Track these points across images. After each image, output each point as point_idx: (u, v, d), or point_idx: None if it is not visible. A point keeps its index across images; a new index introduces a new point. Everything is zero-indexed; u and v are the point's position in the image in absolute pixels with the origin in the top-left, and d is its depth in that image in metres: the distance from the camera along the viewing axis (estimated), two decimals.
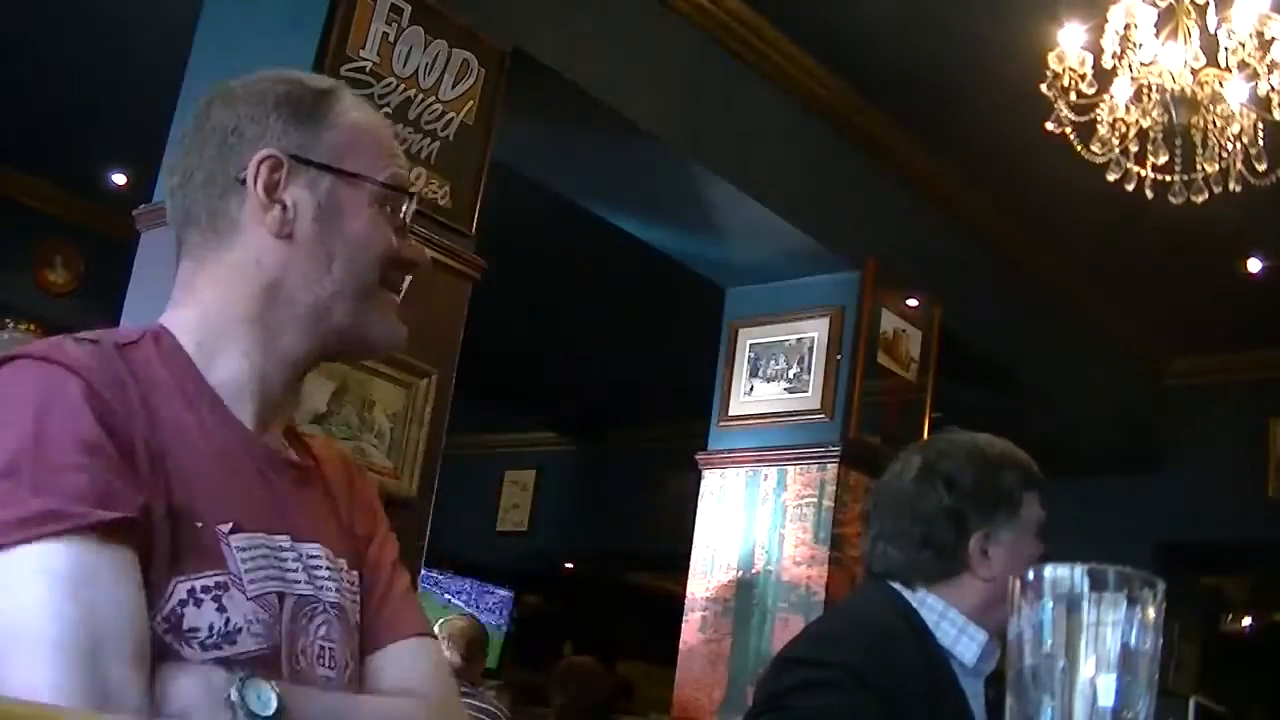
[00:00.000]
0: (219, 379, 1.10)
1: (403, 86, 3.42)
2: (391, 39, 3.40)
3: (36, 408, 0.95)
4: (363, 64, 3.34)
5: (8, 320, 7.03)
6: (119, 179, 6.22)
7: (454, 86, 3.53)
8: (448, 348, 3.50)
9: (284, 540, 1.07)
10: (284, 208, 1.11)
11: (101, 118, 5.59)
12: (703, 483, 5.13)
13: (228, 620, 0.98)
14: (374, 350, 1.20)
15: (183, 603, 0.97)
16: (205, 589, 0.98)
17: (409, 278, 1.20)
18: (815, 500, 4.79)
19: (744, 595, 4.83)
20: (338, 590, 1.10)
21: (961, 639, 1.65)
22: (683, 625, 4.97)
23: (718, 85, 4.47)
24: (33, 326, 7.08)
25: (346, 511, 1.19)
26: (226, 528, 1.01)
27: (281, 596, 1.04)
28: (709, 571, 4.97)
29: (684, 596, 5.03)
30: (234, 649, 0.98)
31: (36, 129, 5.88)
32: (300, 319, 1.12)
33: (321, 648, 1.07)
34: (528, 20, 3.79)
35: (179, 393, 1.06)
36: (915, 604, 1.68)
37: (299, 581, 1.06)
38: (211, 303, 1.12)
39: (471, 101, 3.57)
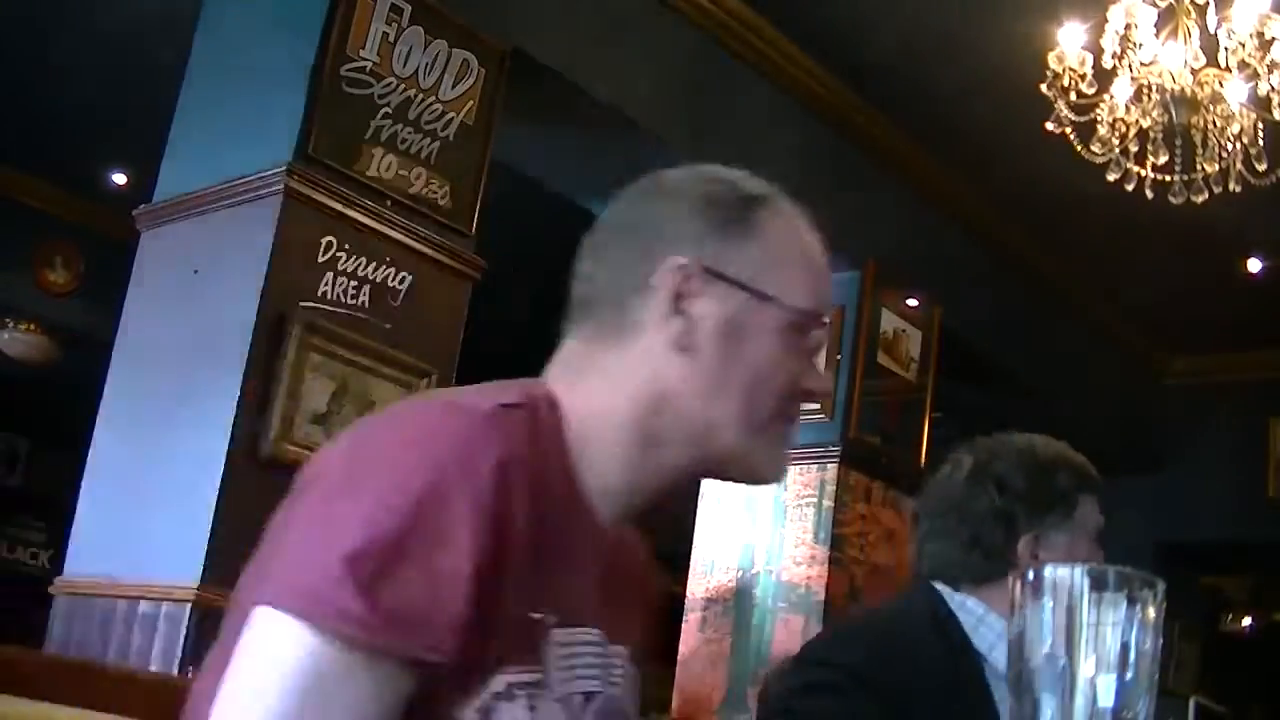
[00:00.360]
0: (589, 475, 1.03)
1: (403, 86, 3.42)
2: (391, 39, 3.40)
3: (442, 485, 0.89)
4: (363, 64, 3.34)
5: (8, 320, 7.04)
6: (119, 179, 6.22)
7: (454, 86, 3.53)
8: (448, 348, 3.50)
9: (602, 638, 1.02)
10: (688, 320, 1.05)
11: (101, 118, 5.59)
12: (703, 482, 5.12)
13: (530, 718, 0.94)
14: (755, 482, 1.12)
15: (497, 695, 0.92)
16: (522, 685, 0.94)
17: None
18: (815, 500, 4.79)
19: (744, 595, 4.83)
20: (631, 691, 1.07)
21: (999, 644, 1.61)
22: (683, 625, 4.97)
23: (718, 85, 4.47)
24: (33, 326, 7.09)
25: (633, 601, 1.13)
26: (553, 620, 0.97)
27: (589, 696, 1.00)
28: (709, 571, 4.97)
29: (684, 596, 5.03)
30: None
31: (36, 129, 5.88)
32: (686, 436, 1.05)
33: None
34: (528, 20, 3.79)
35: (549, 474, 0.99)
36: (954, 607, 1.66)
37: (609, 682, 1.02)
38: (597, 396, 1.05)
39: (471, 101, 3.57)
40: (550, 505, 0.97)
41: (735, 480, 1.10)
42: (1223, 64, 3.40)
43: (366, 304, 3.29)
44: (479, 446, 0.91)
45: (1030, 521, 1.65)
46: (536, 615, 0.95)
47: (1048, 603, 0.76)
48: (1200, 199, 3.56)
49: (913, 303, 5.22)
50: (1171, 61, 3.43)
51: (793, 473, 4.88)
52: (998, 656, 1.62)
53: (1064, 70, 3.46)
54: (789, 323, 1.07)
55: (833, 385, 1.09)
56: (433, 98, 3.48)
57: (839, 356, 4.93)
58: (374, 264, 3.32)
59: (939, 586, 1.68)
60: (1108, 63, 3.43)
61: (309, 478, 0.95)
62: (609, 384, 1.06)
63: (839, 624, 1.92)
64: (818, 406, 4.90)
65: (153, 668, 2.93)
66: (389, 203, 3.37)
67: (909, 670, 1.54)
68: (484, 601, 0.88)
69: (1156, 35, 3.44)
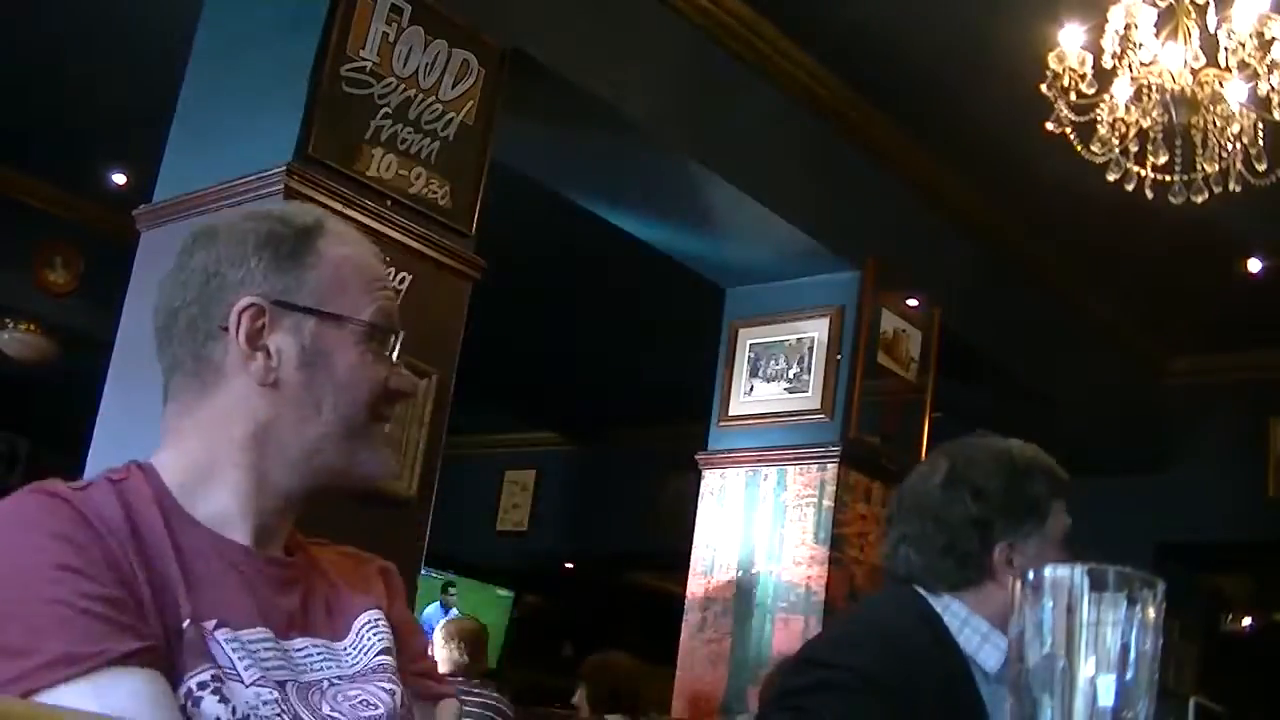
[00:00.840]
0: (209, 512, 1.10)
1: (403, 86, 3.42)
2: (391, 39, 3.40)
3: (30, 546, 0.97)
4: (363, 64, 3.34)
5: (8, 320, 7.04)
6: (119, 179, 6.22)
7: (454, 86, 3.53)
8: (448, 348, 3.50)
9: (271, 636, 1.07)
10: (268, 355, 1.11)
11: (101, 118, 5.59)
12: (703, 483, 5.13)
13: (234, 710, 0.99)
14: (366, 484, 1.17)
15: (183, 708, 0.98)
16: (202, 685, 0.99)
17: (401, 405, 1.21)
18: (815, 500, 4.79)
19: (744, 595, 4.83)
20: (367, 649, 1.12)
21: (984, 646, 1.63)
22: (683, 625, 4.97)
23: (717, 85, 4.47)
24: (33, 326, 7.09)
25: (351, 593, 1.19)
26: (210, 624, 1.02)
27: (283, 684, 1.04)
28: (709, 571, 4.97)
29: (684, 596, 5.03)
30: None
31: (36, 129, 5.88)
32: (290, 462, 1.12)
33: (357, 702, 1.08)
34: (528, 20, 3.79)
35: (165, 517, 1.07)
36: (939, 609, 1.66)
37: (305, 671, 1.07)
38: (196, 449, 1.12)
39: (471, 101, 3.57)
40: (166, 546, 1.04)
41: (351, 490, 1.16)
42: (1223, 64, 3.40)
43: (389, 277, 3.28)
44: (39, 527, 0.98)
45: (1005, 530, 1.65)
46: (187, 623, 1.00)
47: (1048, 603, 0.76)
48: (1200, 199, 3.56)
49: (913, 303, 5.22)
50: (1171, 62, 3.43)
51: (793, 473, 4.88)
52: (984, 659, 1.63)
53: (1064, 70, 3.46)
54: (363, 335, 1.14)
55: (416, 386, 1.14)
56: (433, 98, 3.48)
57: (839, 356, 4.93)
58: None
59: (918, 589, 1.68)
60: (1108, 63, 3.43)
61: None
62: (207, 436, 1.12)
63: (837, 625, 1.90)
64: (818, 406, 4.91)
65: None
66: (389, 203, 3.36)
67: (912, 671, 1.55)
68: (143, 620, 0.96)
69: (1156, 35, 3.44)
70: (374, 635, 1.14)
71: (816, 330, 5.00)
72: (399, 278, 3.37)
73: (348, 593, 1.18)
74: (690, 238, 4.96)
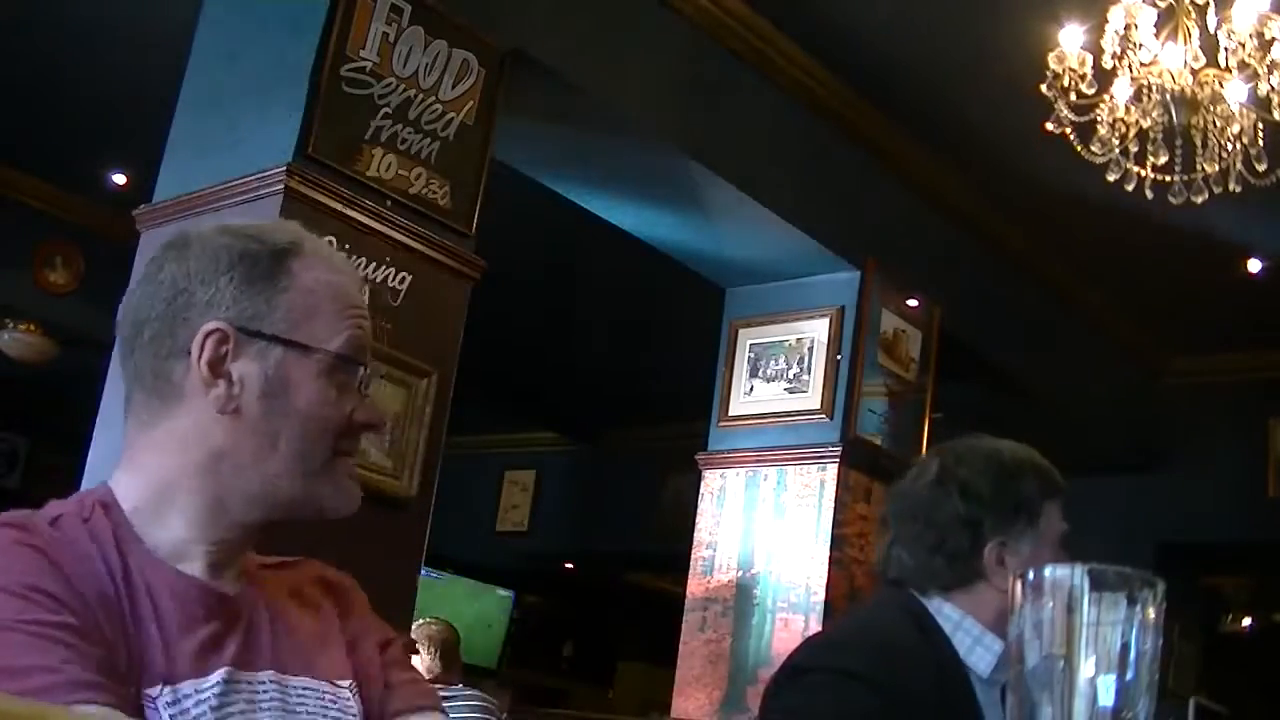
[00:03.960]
0: (164, 540, 1.07)
1: (403, 86, 3.42)
2: (391, 39, 3.40)
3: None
4: (363, 64, 3.34)
5: (8, 320, 7.04)
6: (119, 179, 6.22)
7: (454, 86, 3.53)
8: (448, 348, 3.50)
9: (225, 673, 1.04)
10: (230, 383, 1.07)
11: (101, 118, 5.59)
12: (703, 483, 5.13)
13: None
14: (326, 517, 1.13)
15: None
16: None
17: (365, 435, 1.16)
18: (815, 500, 4.79)
19: (744, 595, 4.83)
20: (317, 713, 1.08)
21: (976, 649, 1.63)
22: (683, 625, 4.97)
23: (717, 85, 4.46)
24: (32, 326, 7.08)
25: (316, 629, 1.16)
26: (155, 691, 0.99)
27: None
28: (709, 571, 4.96)
29: (684, 596, 5.03)
30: None
31: (36, 129, 5.88)
32: (246, 493, 1.08)
33: None
34: (528, 20, 3.79)
35: (123, 558, 1.04)
36: (932, 610, 1.66)
37: (255, 709, 1.04)
38: (153, 471, 1.09)
39: (471, 101, 3.57)
40: (116, 588, 1.00)
41: (307, 517, 1.12)
42: (1223, 64, 3.40)
43: (366, 304, 3.29)
44: (18, 560, 0.95)
45: (995, 529, 1.65)
46: (133, 688, 0.97)
47: (1048, 603, 0.76)
48: (1200, 199, 3.56)
49: (913, 303, 5.22)
50: (1171, 62, 3.43)
51: (793, 473, 4.88)
52: (975, 661, 1.62)
53: (1064, 70, 3.46)
54: (330, 366, 1.09)
55: (386, 418, 1.10)
56: (433, 98, 3.48)
57: (839, 356, 4.93)
58: (374, 264, 3.32)
59: (911, 592, 1.68)
60: (1108, 63, 3.43)
61: None
62: (162, 458, 1.09)
63: (832, 628, 1.89)
64: (818, 406, 4.91)
65: None
66: (389, 203, 3.36)
67: (909, 675, 1.54)
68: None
69: (1156, 35, 3.44)
70: (332, 706, 1.10)
71: (816, 330, 5.00)
72: (399, 277, 3.37)
73: (310, 633, 1.14)
74: (690, 238, 4.96)
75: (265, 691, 1.06)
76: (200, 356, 1.06)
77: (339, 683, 1.11)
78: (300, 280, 1.10)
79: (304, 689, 1.09)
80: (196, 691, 1.01)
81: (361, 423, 1.12)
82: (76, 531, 1.02)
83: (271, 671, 1.07)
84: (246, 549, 1.14)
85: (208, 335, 1.06)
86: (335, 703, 1.10)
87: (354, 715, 1.10)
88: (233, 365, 1.07)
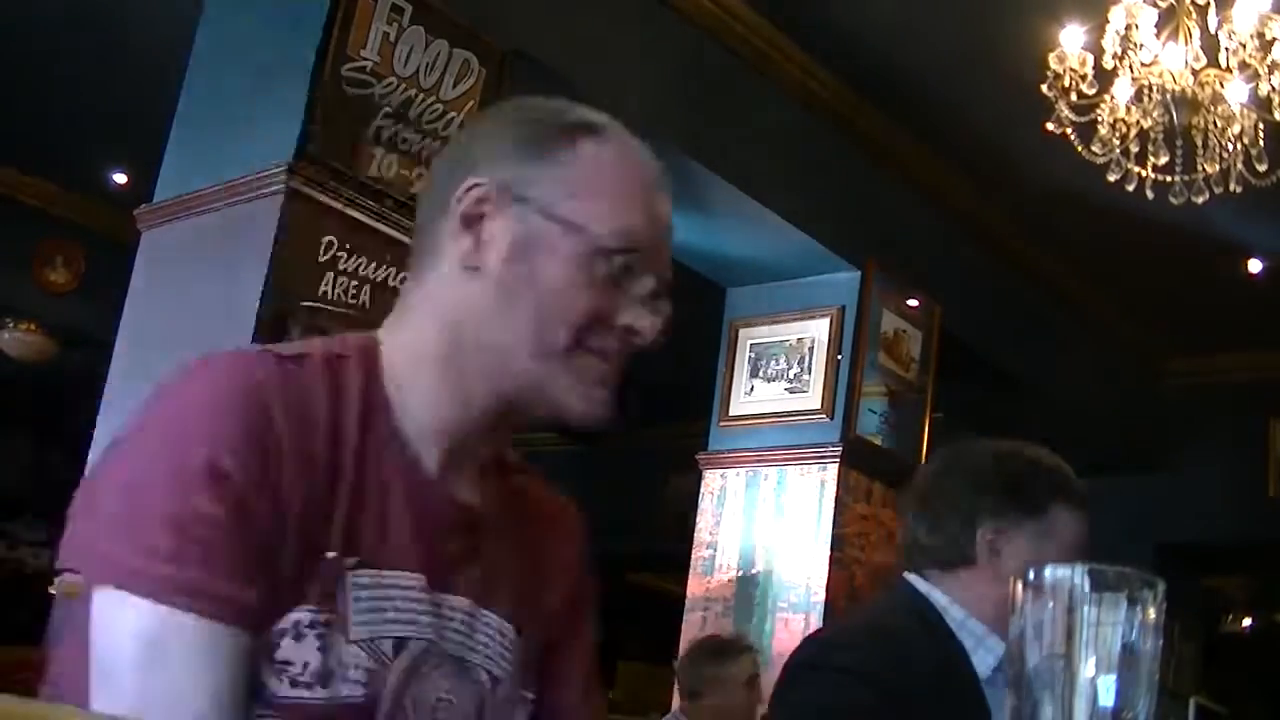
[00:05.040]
0: (409, 416, 1.02)
1: (403, 86, 3.42)
2: (392, 39, 3.40)
3: (192, 431, 0.91)
4: (363, 64, 3.34)
5: (8, 319, 7.04)
6: (120, 178, 6.22)
7: (454, 86, 3.53)
8: None
9: (423, 584, 1.00)
10: (478, 240, 1.02)
11: (102, 118, 5.59)
12: (703, 483, 5.13)
13: (324, 661, 0.92)
14: (564, 416, 1.05)
15: (283, 633, 0.91)
16: (313, 624, 0.93)
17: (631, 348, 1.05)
18: (815, 500, 4.79)
19: (744, 595, 4.83)
20: (485, 647, 1.04)
21: (979, 650, 1.62)
22: (683, 625, 4.97)
23: (717, 85, 4.47)
24: (33, 326, 7.09)
25: (531, 569, 1.11)
26: (352, 562, 0.95)
27: (401, 642, 0.97)
28: (709, 571, 4.97)
29: (684, 596, 5.03)
30: (326, 693, 0.92)
31: (37, 129, 5.88)
32: (482, 364, 1.02)
33: (439, 700, 1.00)
34: (528, 20, 3.80)
35: (364, 420, 0.99)
36: (939, 607, 1.66)
37: (429, 629, 0.99)
38: (412, 330, 1.05)
39: (472, 101, 3.57)
40: (347, 451, 0.97)
41: (545, 414, 1.06)
42: (1223, 64, 3.40)
43: (367, 304, 3.29)
44: (227, 406, 0.92)
45: (992, 514, 1.65)
46: (331, 555, 0.94)
47: (1048, 603, 0.76)
48: (1201, 199, 3.56)
49: (913, 303, 5.22)
50: (1172, 62, 3.43)
51: (793, 473, 4.88)
52: (977, 663, 1.62)
53: (1065, 71, 3.47)
54: (590, 250, 1.01)
55: (658, 328, 0.99)
56: (433, 98, 3.48)
57: (839, 356, 4.93)
58: (374, 264, 3.32)
59: (914, 580, 1.69)
60: (1108, 63, 3.43)
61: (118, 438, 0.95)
62: (415, 316, 1.06)
63: (833, 625, 1.91)
64: (818, 406, 4.91)
65: None
66: (389, 202, 3.37)
67: (911, 671, 1.55)
68: (267, 541, 0.90)
69: (1157, 36, 3.45)
70: (499, 647, 1.05)
71: (817, 330, 5.00)
72: (400, 277, 3.37)
73: (527, 566, 1.10)
74: (690, 237, 4.96)
75: (454, 617, 1.02)
76: (458, 208, 1.03)
77: (513, 631, 1.07)
78: (586, 159, 1.04)
79: (488, 622, 1.05)
80: (392, 585, 0.97)
81: (625, 325, 1.03)
82: (315, 378, 0.97)
83: (468, 601, 1.03)
84: (485, 448, 1.08)
85: (469, 189, 1.03)
86: (506, 647, 1.06)
87: (514, 666, 1.06)
88: (487, 225, 1.03)
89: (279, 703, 0.91)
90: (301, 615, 0.92)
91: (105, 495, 0.92)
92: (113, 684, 0.87)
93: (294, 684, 0.91)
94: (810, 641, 1.72)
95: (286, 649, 0.91)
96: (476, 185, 1.03)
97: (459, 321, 1.03)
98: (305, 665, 0.91)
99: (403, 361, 1.04)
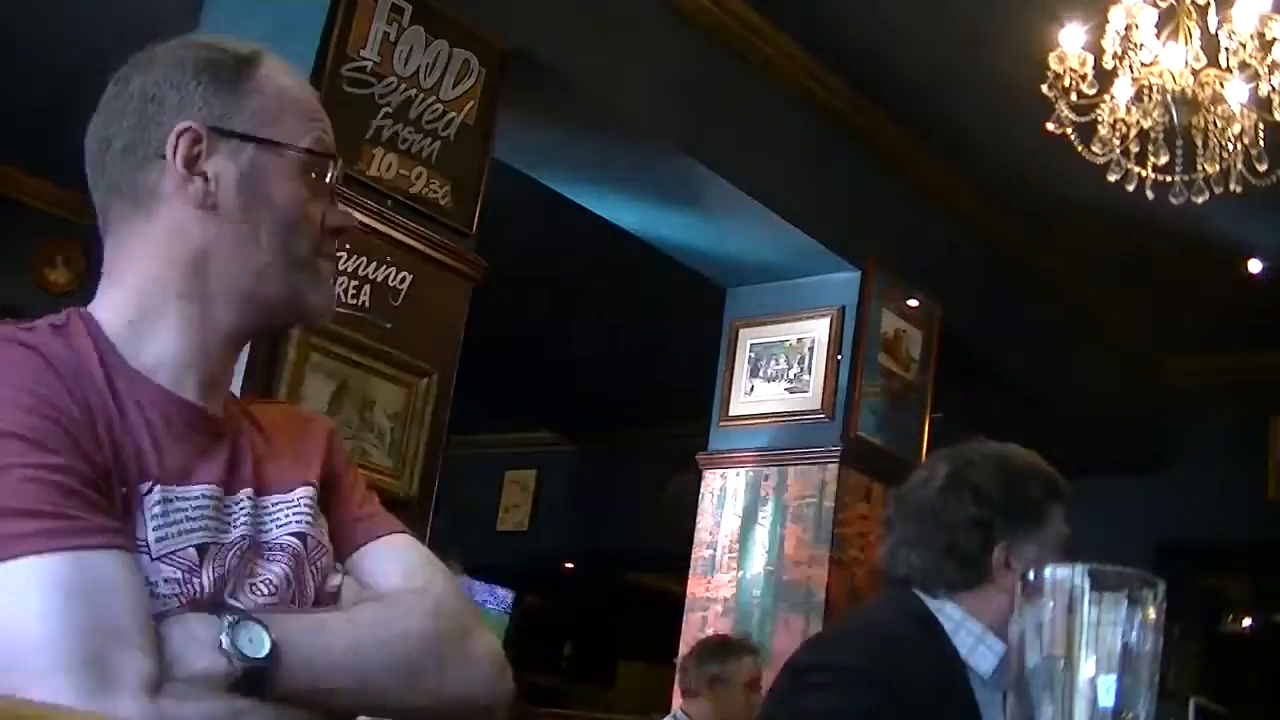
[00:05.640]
0: (153, 356, 1.08)
1: (403, 86, 3.42)
2: (392, 39, 3.40)
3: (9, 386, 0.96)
4: (364, 64, 3.34)
5: (8, 319, 7.04)
6: None
7: (454, 86, 3.53)
8: (448, 348, 3.50)
9: (208, 490, 1.05)
10: (205, 180, 1.09)
11: None
12: (703, 483, 5.13)
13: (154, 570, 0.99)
14: (309, 319, 1.19)
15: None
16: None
17: (342, 242, 1.19)
18: (815, 500, 4.79)
19: (744, 595, 4.83)
20: (283, 524, 1.10)
21: (979, 648, 1.64)
22: (683, 625, 4.97)
23: (718, 85, 4.47)
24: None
25: (293, 453, 1.17)
26: (145, 487, 1.01)
27: (203, 548, 1.02)
28: (709, 571, 4.97)
29: (684, 596, 5.03)
30: (171, 593, 0.99)
31: (36, 128, 5.88)
32: (233, 292, 1.10)
33: (256, 584, 1.05)
34: (528, 20, 3.79)
35: (107, 371, 1.05)
36: (934, 610, 1.67)
37: (227, 528, 1.05)
38: (141, 279, 1.10)
39: (472, 101, 3.57)
40: (104, 395, 1.02)
41: (290, 323, 1.17)
42: (1223, 65, 3.40)
43: (367, 304, 3.29)
44: (22, 370, 0.98)
45: (1004, 531, 1.67)
46: (124, 488, 0.99)
47: (1048, 603, 0.76)
48: (1201, 199, 3.56)
49: (913, 303, 5.22)
50: (1172, 62, 3.43)
51: (793, 473, 4.88)
52: (977, 662, 1.64)
53: (1065, 71, 3.46)
54: (302, 165, 1.12)
55: (353, 221, 1.08)
56: (433, 97, 3.48)
57: (839, 356, 4.93)
58: (374, 263, 3.32)
59: (915, 592, 1.69)
60: (1108, 63, 3.43)
61: None
62: (147, 265, 1.10)
63: (833, 628, 1.91)
64: (818, 406, 4.91)
65: None
66: (389, 202, 3.37)
67: (909, 672, 1.55)
68: (95, 481, 0.96)
69: (1157, 36, 3.44)
70: (292, 513, 1.12)
71: (817, 330, 5.00)
72: (400, 277, 3.37)
73: (288, 456, 1.16)
74: (691, 237, 4.96)
75: (241, 508, 1.08)
76: (175, 154, 1.09)
77: (294, 541, 1.12)
78: (265, 86, 1.13)
79: (275, 503, 1.11)
80: (180, 499, 1.03)
81: (334, 226, 1.15)
82: (57, 342, 1.04)
83: (249, 489, 1.09)
84: (231, 367, 1.15)
85: (180, 134, 1.09)
86: (303, 510, 1.12)
87: (288, 574, 1.09)
88: (207, 164, 1.09)
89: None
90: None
91: None
92: (32, 644, 0.87)
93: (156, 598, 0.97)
94: (809, 644, 1.72)
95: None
96: (187, 129, 1.09)
97: (202, 258, 1.09)
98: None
99: (136, 312, 1.09)
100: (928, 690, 1.56)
